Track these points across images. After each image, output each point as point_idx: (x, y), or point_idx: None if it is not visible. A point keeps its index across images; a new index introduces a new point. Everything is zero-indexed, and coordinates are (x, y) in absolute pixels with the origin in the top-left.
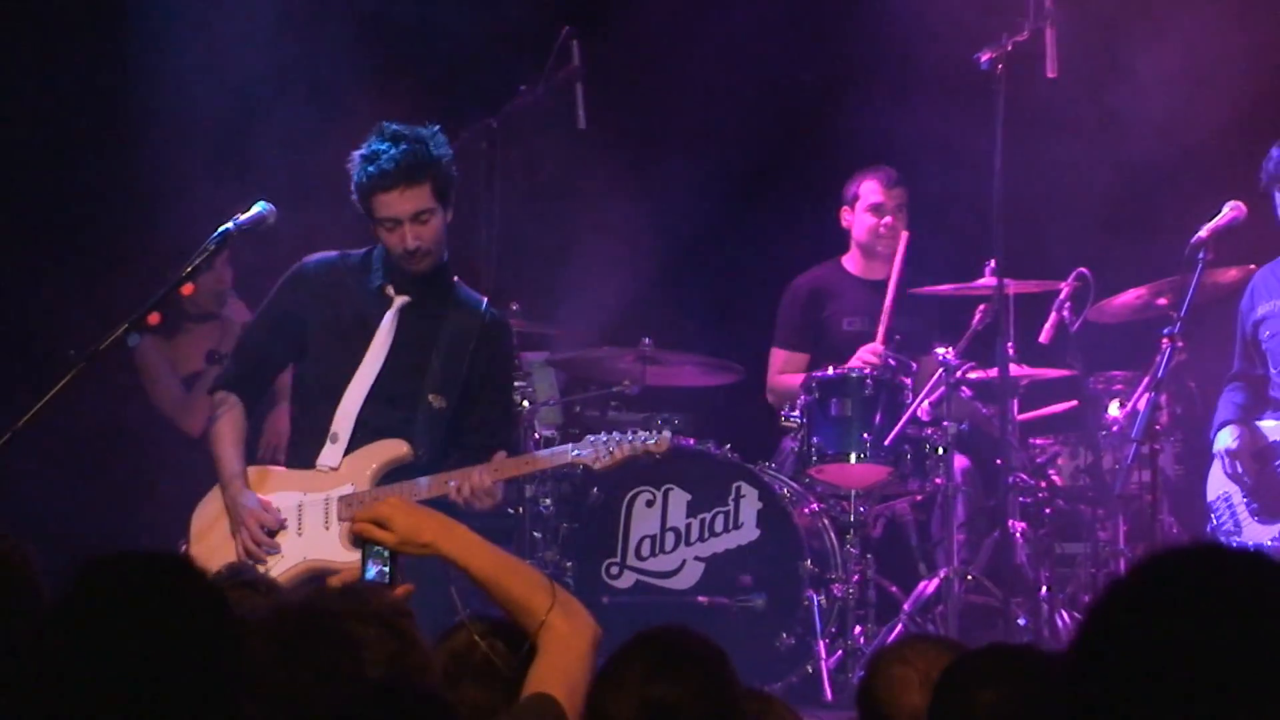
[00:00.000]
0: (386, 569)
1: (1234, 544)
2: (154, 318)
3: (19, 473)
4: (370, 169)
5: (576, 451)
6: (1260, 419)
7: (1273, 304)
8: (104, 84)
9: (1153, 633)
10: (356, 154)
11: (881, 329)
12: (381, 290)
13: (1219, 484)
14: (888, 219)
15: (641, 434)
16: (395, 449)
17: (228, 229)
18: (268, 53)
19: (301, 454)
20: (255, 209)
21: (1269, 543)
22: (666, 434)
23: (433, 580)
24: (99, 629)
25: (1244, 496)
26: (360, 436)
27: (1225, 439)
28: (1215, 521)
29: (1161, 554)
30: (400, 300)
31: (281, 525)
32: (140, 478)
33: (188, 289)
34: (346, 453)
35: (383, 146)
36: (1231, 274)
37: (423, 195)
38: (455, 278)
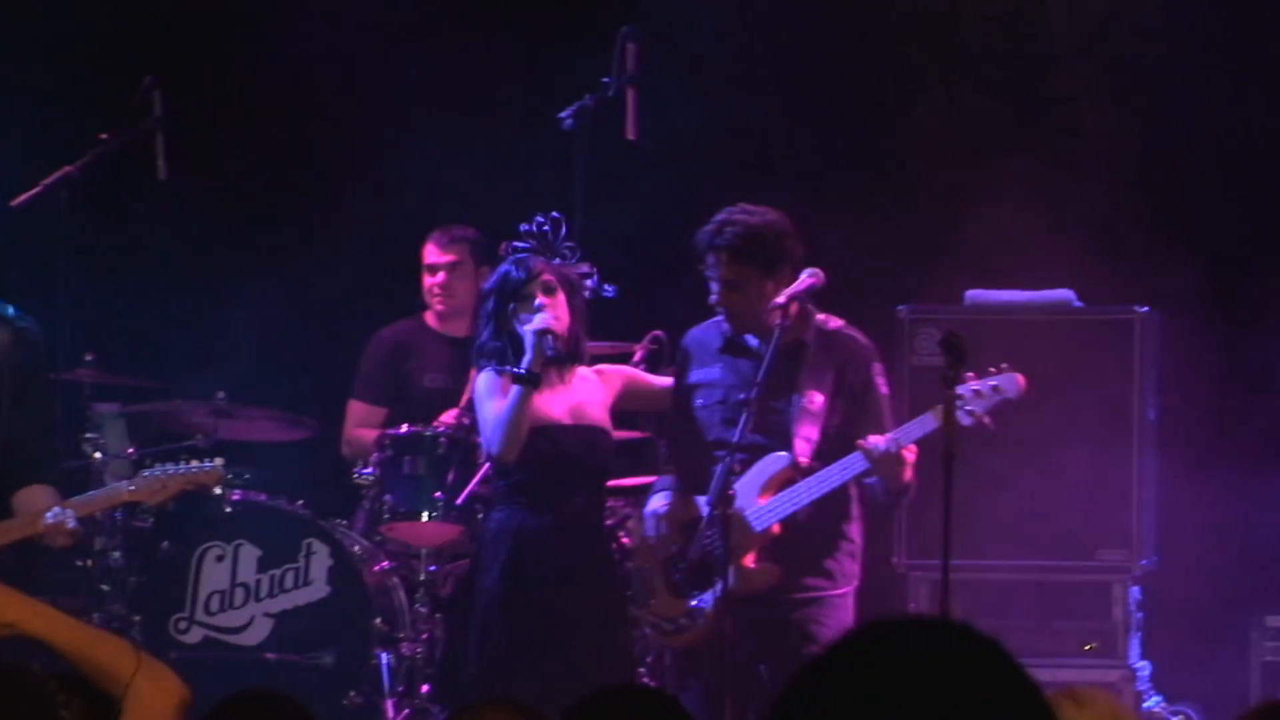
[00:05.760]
0: None
1: None
2: None
3: None
4: None
5: (131, 487)
6: None
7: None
8: None
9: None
10: None
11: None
12: None
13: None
14: (440, 276)
15: (194, 463)
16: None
17: None
18: None
19: None
20: None
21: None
22: (218, 462)
23: None
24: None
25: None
26: None
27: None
28: None
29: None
30: None
31: None
32: None
33: None
34: None
35: None
36: None
37: None
38: None
